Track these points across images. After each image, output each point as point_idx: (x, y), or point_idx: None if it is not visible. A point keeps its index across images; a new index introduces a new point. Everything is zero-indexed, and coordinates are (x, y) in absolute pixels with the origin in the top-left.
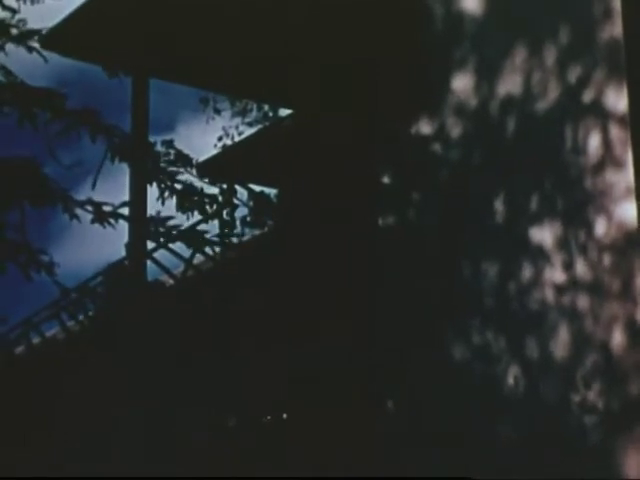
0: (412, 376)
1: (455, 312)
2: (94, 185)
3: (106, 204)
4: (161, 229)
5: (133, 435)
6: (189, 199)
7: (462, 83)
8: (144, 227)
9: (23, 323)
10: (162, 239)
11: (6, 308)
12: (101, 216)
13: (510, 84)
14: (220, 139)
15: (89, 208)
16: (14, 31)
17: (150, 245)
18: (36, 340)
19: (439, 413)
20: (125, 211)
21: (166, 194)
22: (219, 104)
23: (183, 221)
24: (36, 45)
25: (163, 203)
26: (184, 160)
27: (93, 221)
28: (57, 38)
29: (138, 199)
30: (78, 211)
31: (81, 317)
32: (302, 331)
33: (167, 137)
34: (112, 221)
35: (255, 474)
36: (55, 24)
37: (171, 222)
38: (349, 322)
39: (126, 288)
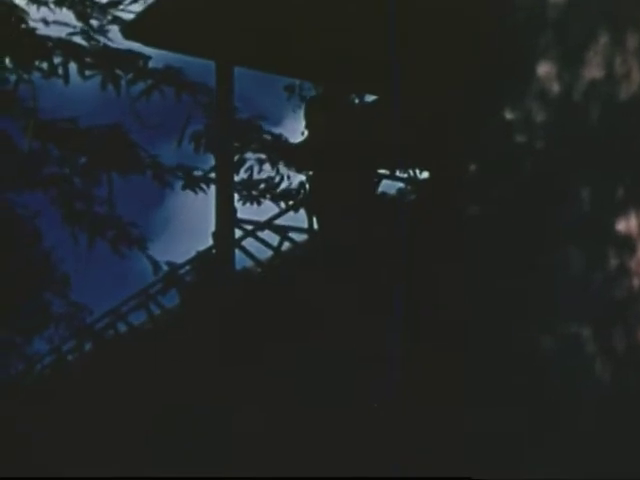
0: (496, 369)
1: (541, 303)
2: (180, 142)
3: (196, 168)
4: (254, 192)
5: (218, 430)
6: (275, 186)
7: (546, 70)
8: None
9: (110, 313)
10: (255, 203)
11: (92, 298)
12: (192, 182)
13: (593, 72)
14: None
15: (179, 174)
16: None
17: (238, 234)
18: (123, 330)
19: (524, 407)
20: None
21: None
22: (305, 92)
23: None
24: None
25: (249, 192)
26: (272, 147)
27: (184, 187)
28: (139, 28)
29: (224, 167)
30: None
31: (169, 306)
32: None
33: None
34: (204, 186)
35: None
36: (137, 14)
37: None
38: (433, 315)
39: (214, 277)
